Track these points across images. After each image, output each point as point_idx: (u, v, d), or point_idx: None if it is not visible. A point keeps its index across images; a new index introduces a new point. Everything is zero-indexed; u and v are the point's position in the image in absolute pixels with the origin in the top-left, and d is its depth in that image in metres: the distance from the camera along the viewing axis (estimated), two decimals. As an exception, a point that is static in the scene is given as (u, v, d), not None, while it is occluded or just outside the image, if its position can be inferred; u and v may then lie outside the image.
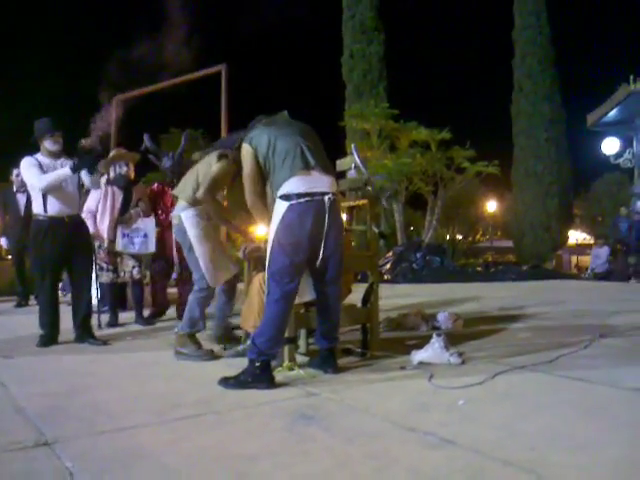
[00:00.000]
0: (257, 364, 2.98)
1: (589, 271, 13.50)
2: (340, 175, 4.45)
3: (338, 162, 4.32)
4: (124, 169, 5.70)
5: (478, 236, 36.78)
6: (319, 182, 3.06)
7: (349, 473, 1.83)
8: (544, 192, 21.10)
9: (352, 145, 4.17)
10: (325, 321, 3.29)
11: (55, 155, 4.43)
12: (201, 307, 3.91)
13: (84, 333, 4.49)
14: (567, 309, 6.11)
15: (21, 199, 7.85)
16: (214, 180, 3.59)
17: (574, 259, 22.77)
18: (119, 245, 5.46)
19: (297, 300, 3.29)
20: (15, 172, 7.85)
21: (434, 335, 3.50)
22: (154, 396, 2.89)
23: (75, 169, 4.23)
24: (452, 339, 3.81)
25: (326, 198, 3.04)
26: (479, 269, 13.38)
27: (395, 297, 7.54)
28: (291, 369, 3.32)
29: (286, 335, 3.39)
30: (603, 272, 12.50)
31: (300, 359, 3.52)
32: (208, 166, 3.78)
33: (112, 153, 4.87)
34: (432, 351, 3.39)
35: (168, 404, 2.71)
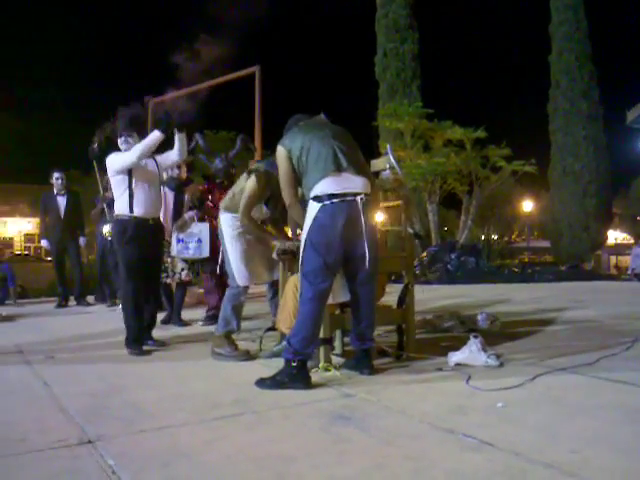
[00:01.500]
0: (293, 364, 2.99)
1: (629, 271, 13.19)
2: (374, 175, 4.44)
3: (372, 162, 4.31)
4: (175, 171, 5.79)
5: (514, 236, 36.26)
6: (351, 183, 3.08)
7: (387, 474, 1.83)
8: (582, 191, 20.67)
9: (387, 146, 4.15)
10: (360, 322, 3.28)
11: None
12: (231, 306, 3.95)
13: (146, 335, 4.50)
14: (607, 310, 5.97)
15: (61, 202, 8.05)
16: (247, 200, 3.85)
17: (613, 259, 22.30)
18: (174, 250, 5.51)
19: (331, 301, 3.31)
20: (55, 175, 8.05)
21: (471, 336, 3.46)
22: (193, 396, 2.93)
23: (164, 130, 4.16)
24: (489, 340, 3.76)
25: (358, 198, 3.05)
26: (515, 270, 13.16)
27: (430, 298, 7.48)
28: (327, 370, 3.32)
29: (321, 336, 3.40)
30: (644, 272, 12.19)
31: (336, 360, 3.53)
32: (243, 180, 4.00)
33: None
34: (469, 353, 3.35)
35: (207, 404, 2.75)
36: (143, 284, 4.36)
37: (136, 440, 2.26)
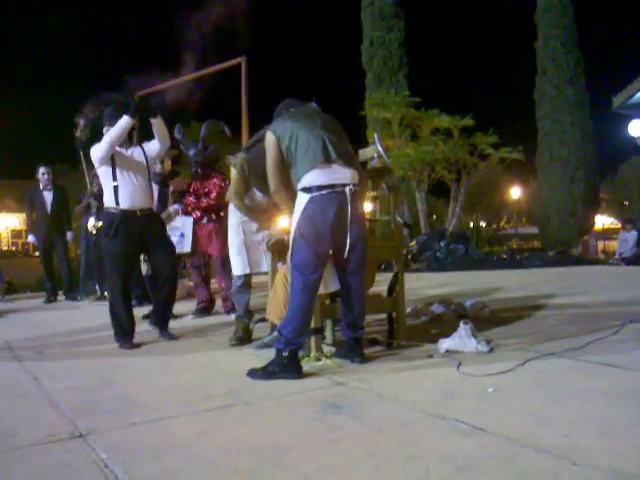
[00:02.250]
0: (284, 354, 3.00)
1: (617, 256, 13.27)
2: (362, 165, 4.43)
3: (360, 152, 4.30)
4: (158, 166, 5.73)
5: (502, 223, 36.43)
6: (340, 174, 3.08)
7: (380, 461, 1.83)
8: (569, 177, 20.75)
9: (375, 134, 4.14)
10: (350, 311, 3.30)
11: (124, 144, 4.30)
12: (236, 295, 4.17)
13: (161, 325, 4.47)
14: (595, 295, 6.03)
15: (48, 197, 7.98)
16: (233, 187, 4.00)
17: (601, 244, 22.42)
18: None
19: (322, 290, 3.31)
20: (41, 170, 7.97)
21: (461, 323, 3.47)
22: (184, 388, 2.93)
23: (131, 114, 4.07)
24: (479, 327, 3.78)
25: (347, 189, 3.05)
26: (504, 256, 13.21)
27: (420, 286, 7.51)
28: (318, 359, 3.33)
29: (312, 326, 3.40)
30: (631, 257, 12.27)
31: (327, 349, 3.53)
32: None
33: None
34: (459, 339, 3.37)
35: (199, 395, 2.75)
36: (130, 277, 4.35)
37: (128, 433, 2.25)
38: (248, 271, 4.18)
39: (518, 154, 15.77)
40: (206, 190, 5.70)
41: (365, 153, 4.23)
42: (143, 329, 4.62)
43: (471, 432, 2.07)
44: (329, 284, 3.38)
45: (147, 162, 4.36)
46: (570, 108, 20.84)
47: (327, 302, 3.59)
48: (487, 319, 4.56)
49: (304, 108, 3.39)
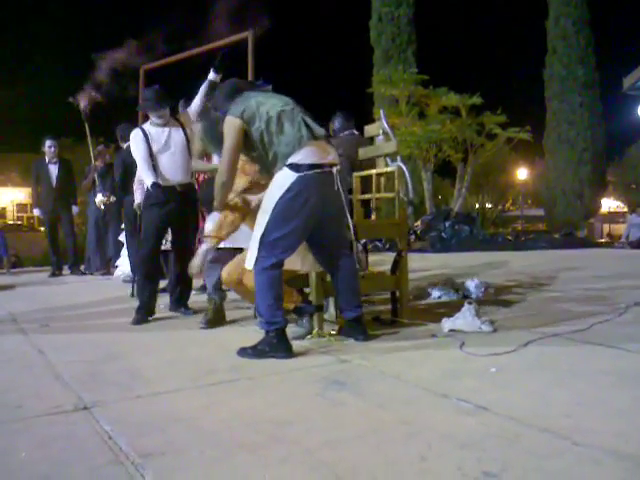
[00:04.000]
0: (271, 334, 2.97)
1: (623, 239, 13.24)
2: (369, 141, 4.40)
3: (366, 128, 4.26)
4: None
5: (508, 204, 36.27)
6: (327, 154, 3.02)
7: (382, 438, 1.84)
8: (577, 158, 20.59)
9: (380, 111, 4.10)
10: (345, 291, 3.26)
11: (162, 125, 4.34)
12: (207, 271, 4.01)
13: (180, 303, 4.51)
14: (600, 277, 6.01)
15: (53, 170, 7.97)
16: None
17: (606, 227, 22.34)
18: None
19: (298, 267, 3.33)
20: (47, 143, 7.94)
21: (465, 303, 3.47)
22: (188, 362, 2.95)
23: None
24: (483, 307, 3.79)
25: (334, 170, 3.01)
26: (509, 238, 13.20)
27: (424, 266, 7.50)
28: (321, 336, 3.34)
29: (314, 303, 3.41)
30: (637, 240, 12.23)
31: (330, 327, 3.54)
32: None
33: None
34: (463, 319, 3.37)
35: (202, 370, 2.76)
36: (158, 251, 4.42)
37: (132, 406, 2.27)
38: (220, 245, 4.12)
39: (526, 134, 15.65)
40: None
41: (370, 130, 4.20)
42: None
43: (473, 411, 2.07)
44: (306, 263, 3.35)
45: (187, 139, 4.39)
46: (579, 88, 20.61)
47: (328, 279, 3.59)
48: (491, 300, 4.56)
49: (262, 89, 3.24)
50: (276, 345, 2.96)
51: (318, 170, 2.95)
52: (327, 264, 3.28)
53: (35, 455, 1.81)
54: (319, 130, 3.01)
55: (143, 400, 2.33)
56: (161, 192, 4.23)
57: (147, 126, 4.34)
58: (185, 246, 4.42)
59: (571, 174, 20.70)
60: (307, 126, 2.99)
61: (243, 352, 3.01)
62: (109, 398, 2.35)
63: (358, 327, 3.27)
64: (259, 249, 2.99)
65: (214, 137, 3.57)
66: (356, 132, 4.96)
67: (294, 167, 2.94)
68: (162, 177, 4.26)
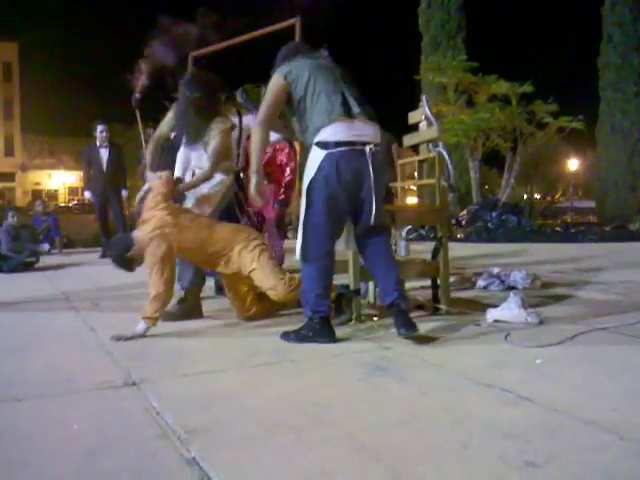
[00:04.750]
0: (315, 320, 2.97)
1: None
2: (413, 128, 4.35)
3: (410, 114, 4.22)
4: None
5: (558, 196, 35.36)
6: (361, 131, 2.90)
7: (424, 424, 1.84)
8: (630, 149, 19.88)
9: (423, 97, 4.04)
10: (380, 273, 3.08)
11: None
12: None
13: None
14: (653, 271, 5.82)
15: (104, 154, 8.18)
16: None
17: (661, 221, 21.52)
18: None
19: (344, 248, 3.28)
20: (99, 128, 8.15)
21: (511, 293, 3.42)
22: (232, 344, 3.00)
23: None
24: (529, 298, 3.72)
25: (367, 148, 2.87)
26: (558, 229, 12.90)
27: (469, 255, 7.41)
28: (361, 322, 3.34)
29: (351, 287, 3.40)
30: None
31: (370, 312, 3.54)
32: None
33: None
34: (509, 309, 3.32)
35: (246, 352, 2.81)
36: None
37: (179, 384, 2.33)
38: None
39: (578, 124, 15.22)
40: (268, 154, 5.73)
41: (413, 116, 4.15)
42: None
43: (517, 402, 2.05)
44: (350, 243, 3.30)
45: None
46: (635, 77, 19.86)
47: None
48: (538, 291, 4.48)
49: (317, 56, 3.15)
50: (319, 331, 2.96)
51: (346, 147, 2.85)
52: (361, 245, 3.14)
53: (86, 427, 1.87)
54: (356, 108, 2.91)
55: (189, 379, 2.39)
56: None
57: None
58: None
59: (624, 165, 20.02)
60: (344, 102, 2.90)
61: (286, 336, 3.03)
62: (157, 376, 2.42)
63: (399, 316, 2.96)
64: (304, 236, 2.97)
65: (187, 120, 3.70)
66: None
67: (323, 145, 2.87)
68: None
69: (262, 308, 3.60)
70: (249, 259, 3.34)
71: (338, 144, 2.85)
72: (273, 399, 2.11)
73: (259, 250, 3.36)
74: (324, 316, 2.98)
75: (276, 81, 3.01)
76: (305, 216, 2.95)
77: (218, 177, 3.84)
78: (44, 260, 7.78)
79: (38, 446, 1.73)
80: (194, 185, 3.74)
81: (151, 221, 3.29)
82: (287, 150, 5.91)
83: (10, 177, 40.87)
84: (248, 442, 1.72)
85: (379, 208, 2.98)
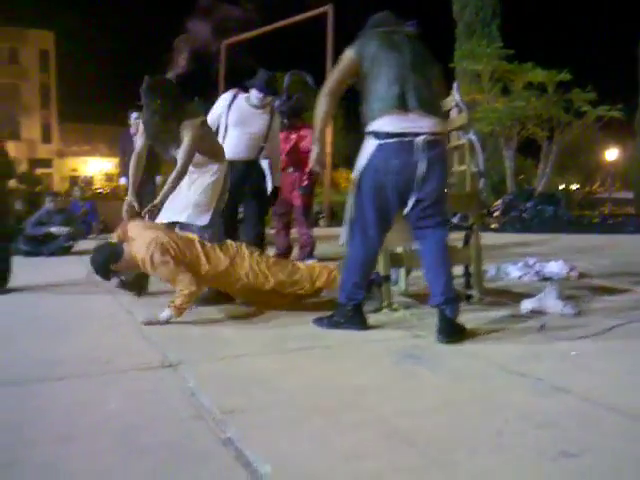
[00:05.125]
0: (348, 307, 2.98)
1: None
2: (444, 115, 4.30)
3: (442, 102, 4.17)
4: None
5: (595, 187, 34.59)
6: (414, 122, 2.81)
7: (458, 411, 1.84)
8: (672, 139, 19.36)
9: (454, 83, 3.98)
10: (430, 270, 2.90)
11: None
12: None
13: None
14: (694, 264, 5.67)
15: (138, 142, 8.28)
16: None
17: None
18: None
19: (398, 244, 3.23)
20: (133, 116, 8.25)
21: (548, 284, 3.38)
22: (268, 329, 3.04)
23: None
24: (566, 289, 3.67)
25: (419, 139, 2.78)
26: (596, 220, 12.64)
27: (504, 246, 7.32)
28: (393, 310, 3.34)
29: (382, 274, 3.40)
30: None
31: (400, 300, 3.54)
32: None
33: None
34: (545, 300, 3.28)
35: (280, 337, 2.84)
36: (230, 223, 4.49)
37: (215, 366, 2.37)
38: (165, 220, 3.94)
39: (617, 112, 14.84)
40: (292, 141, 5.75)
41: (445, 104, 4.11)
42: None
43: (552, 392, 2.03)
44: (397, 240, 3.28)
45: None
46: (678, 64, 19.28)
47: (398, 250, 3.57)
48: (575, 282, 4.41)
49: (396, 32, 2.99)
50: (352, 318, 2.98)
51: (397, 139, 2.79)
52: (416, 239, 3.03)
53: (124, 406, 1.92)
54: (413, 101, 2.80)
55: (224, 362, 2.43)
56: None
57: (241, 97, 4.41)
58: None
59: (665, 156, 19.50)
60: (402, 94, 2.80)
61: (319, 322, 3.05)
62: (193, 358, 2.47)
63: (441, 321, 2.77)
64: (350, 224, 2.96)
65: (156, 128, 3.77)
66: None
67: (374, 135, 2.84)
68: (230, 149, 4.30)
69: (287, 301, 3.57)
70: (262, 279, 3.31)
71: (389, 135, 2.81)
72: (307, 383, 2.13)
73: (264, 262, 3.33)
74: (358, 304, 2.99)
75: (347, 54, 2.95)
76: (353, 204, 2.94)
77: (214, 166, 3.88)
78: (82, 245, 7.96)
79: (80, 422, 1.79)
80: (167, 193, 3.65)
81: (142, 237, 3.27)
82: (310, 137, 5.92)
83: (48, 163, 41.72)
84: (283, 424, 1.74)
85: (435, 202, 2.86)
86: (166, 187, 3.70)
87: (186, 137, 3.71)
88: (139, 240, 3.26)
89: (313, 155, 3.06)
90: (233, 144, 4.36)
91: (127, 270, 3.52)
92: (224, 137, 4.36)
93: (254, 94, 4.34)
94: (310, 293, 3.44)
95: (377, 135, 2.83)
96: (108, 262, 3.28)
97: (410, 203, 2.85)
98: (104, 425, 1.76)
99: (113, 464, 1.50)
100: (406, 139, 2.79)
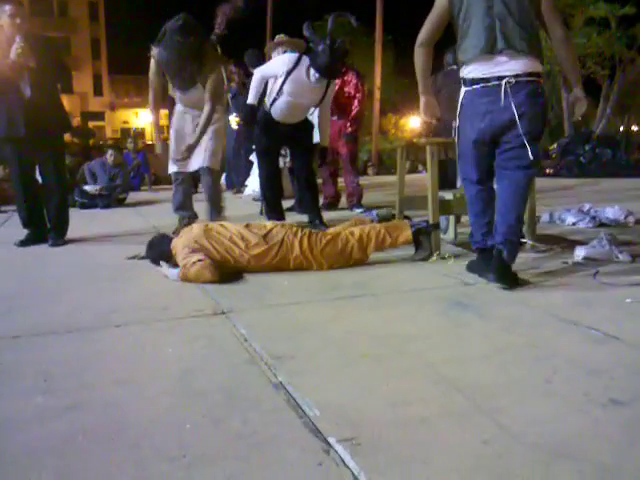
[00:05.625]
0: (475, 250, 3.01)
1: None
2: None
3: None
4: None
5: (658, 128, 32.85)
6: (502, 66, 2.73)
7: (506, 359, 1.84)
8: None
9: None
10: (501, 215, 2.83)
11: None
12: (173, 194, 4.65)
13: (312, 213, 4.70)
14: None
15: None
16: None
17: None
18: None
19: None
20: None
21: (602, 231, 3.28)
22: (314, 278, 3.06)
23: None
24: (622, 235, 3.56)
25: (504, 81, 2.70)
26: (657, 164, 12.07)
27: (559, 191, 7.11)
28: (444, 258, 3.32)
29: (431, 222, 3.37)
30: None
31: (449, 248, 3.50)
32: None
33: (275, 39, 5.01)
34: (599, 247, 3.20)
35: (328, 285, 2.88)
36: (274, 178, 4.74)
37: (264, 314, 2.43)
38: (175, 170, 4.45)
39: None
40: (336, 86, 5.63)
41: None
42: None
43: (604, 340, 2.00)
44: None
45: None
46: None
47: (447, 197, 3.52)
48: (631, 228, 4.27)
49: None
50: (477, 263, 2.99)
51: (480, 84, 2.78)
52: (497, 178, 2.97)
53: (180, 351, 2.01)
54: (501, 43, 2.71)
55: (274, 309, 2.49)
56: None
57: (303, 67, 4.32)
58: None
59: None
60: (489, 38, 2.72)
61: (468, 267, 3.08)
62: (244, 306, 2.53)
63: (495, 261, 2.74)
64: (460, 164, 3.04)
65: (180, 65, 4.01)
66: None
67: (463, 81, 2.87)
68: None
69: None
70: (313, 265, 3.22)
71: (474, 81, 2.80)
72: (355, 330, 2.16)
73: (315, 247, 3.21)
74: (480, 248, 2.96)
75: (438, 1, 2.89)
76: (457, 145, 3.02)
77: (217, 115, 4.31)
78: (134, 196, 8.16)
79: (138, 366, 1.88)
80: (203, 132, 4.20)
81: (181, 242, 3.20)
82: (354, 82, 5.80)
83: (100, 116, 42.41)
84: (331, 370, 1.79)
85: (521, 145, 2.76)
86: (199, 129, 4.18)
87: (215, 81, 3.97)
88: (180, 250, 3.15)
89: (422, 105, 3.06)
90: (284, 109, 4.40)
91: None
92: (274, 96, 4.35)
93: (313, 73, 4.26)
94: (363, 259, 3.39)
95: (465, 82, 2.86)
96: (157, 258, 3.33)
97: (500, 146, 2.85)
98: (161, 369, 1.85)
99: (170, 406, 1.58)
100: (490, 84, 2.75)
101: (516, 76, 2.71)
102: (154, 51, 4.16)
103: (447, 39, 3.17)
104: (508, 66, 2.73)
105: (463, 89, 2.88)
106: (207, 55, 4.13)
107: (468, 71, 2.82)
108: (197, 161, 4.38)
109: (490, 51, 2.73)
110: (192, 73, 4.14)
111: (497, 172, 2.91)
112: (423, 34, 2.93)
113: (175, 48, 3.99)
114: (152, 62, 4.26)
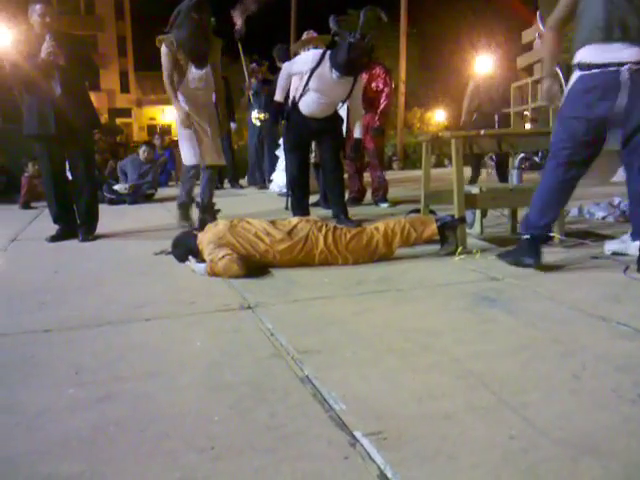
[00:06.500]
0: (525, 238, 2.93)
1: None
2: (527, 47, 4.10)
3: (524, 33, 3.98)
4: None
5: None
6: (619, 52, 2.67)
7: (533, 354, 1.83)
8: None
9: (537, 12, 3.76)
10: (635, 208, 2.92)
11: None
12: (181, 184, 4.86)
13: (339, 210, 4.68)
14: None
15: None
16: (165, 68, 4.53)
17: None
18: None
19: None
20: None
21: (632, 224, 3.23)
22: (340, 273, 3.07)
23: None
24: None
25: (624, 68, 2.64)
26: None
27: (589, 184, 6.99)
28: (468, 253, 3.30)
29: (457, 216, 3.35)
30: None
31: (475, 242, 3.48)
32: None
33: (304, 36, 5.02)
34: (629, 241, 3.14)
35: (353, 280, 2.88)
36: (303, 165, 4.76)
37: (291, 308, 2.45)
38: (195, 162, 4.57)
39: None
40: (363, 80, 5.62)
41: (527, 34, 3.90)
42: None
43: (634, 335, 1.98)
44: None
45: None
46: None
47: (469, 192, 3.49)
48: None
49: None
50: (524, 250, 2.92)
51: (598, 70, 2.71)
52: (625, 167, 2.98)
53: (207, 344, 2.04)
54: (617, 30, 2.65)
55: (300, 304, 2.50)
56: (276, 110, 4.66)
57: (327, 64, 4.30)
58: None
59: None
60: (608, 25, 2.67)
61: (502, 256, 3.05)
62: (270, 300, 2.55)
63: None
64: (551, 146, 2.95)
65: (196, 42, 4.30)
66: None
67: (577, 66, 2.80)
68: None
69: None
70: (338, 260, 3.22)
71: (589, 66, 2.74)
72: (380, 325, 2.17)
73: (331, 236, 3.20)
74: (535, 235, 2.92)
75: None
76: (554, 130, 2.96)
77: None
78: (162, 192, 8.25)
79: (167, 359, 1.91)
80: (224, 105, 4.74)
81: (207, 237, 3.23)
82: (383, 75, 5.78)
83: (127, 112, 42.82)
84: (357, 364, 1.79)
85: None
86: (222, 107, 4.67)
87: (218, 59, 4.45)
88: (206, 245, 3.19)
89: (544, 89, 3.05)
90: (311, 104, 4.43)
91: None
92: (301, 91, 4.40)
93: (335, 72, 4.25)
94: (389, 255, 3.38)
95: (579, 66, 2.79)
96: (182, 257, 3.36)
97: (619, 138, 2.80)
98: (189, 362, 1.88)
99: (198, 398, 1.60)
100: (609, 69, 2.69)
101: (637, 63, 2.65)
102: (166, 40, 4.25)
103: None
104: (626, 53, 2.66)
105: (576, 73, 2.81)
106: (213, 39, 4.43)
107: (583, 55, 2.75)
108: (212, 156, 4.54)
109: (606, 37, 2.69)
110: (206, 51, 4.35)
111: (625, 166, 2.91)
112: (554, 17, 2.90)
113: (192, 25, 4.16)
114: (164, 51, 4.35)
